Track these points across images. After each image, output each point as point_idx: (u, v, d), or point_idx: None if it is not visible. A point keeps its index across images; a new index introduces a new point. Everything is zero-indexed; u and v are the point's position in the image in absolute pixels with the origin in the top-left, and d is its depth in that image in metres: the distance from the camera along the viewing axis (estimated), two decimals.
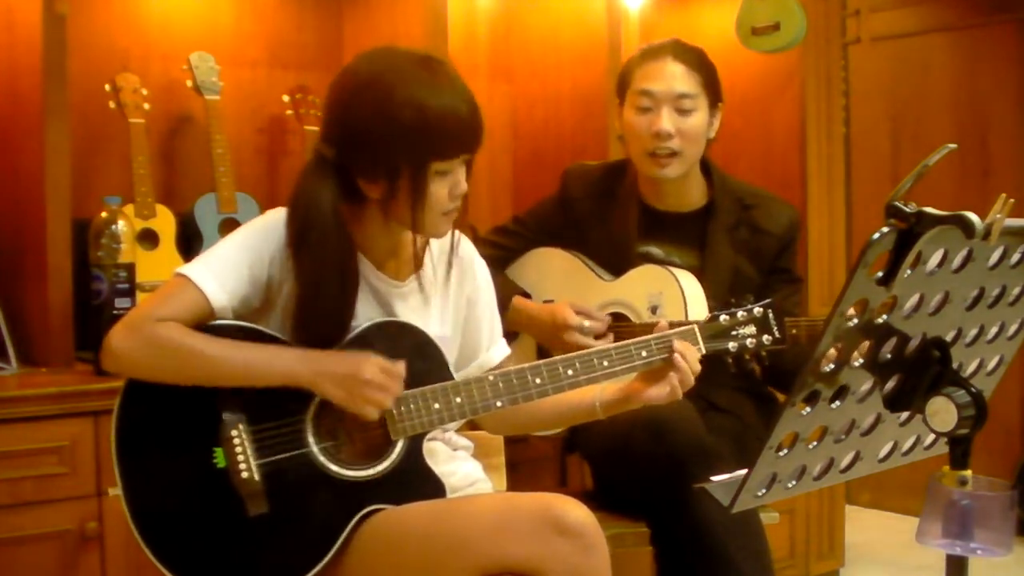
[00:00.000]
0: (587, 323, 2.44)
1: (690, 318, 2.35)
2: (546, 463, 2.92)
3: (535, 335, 2.54)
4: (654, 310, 2.44)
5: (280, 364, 1.79)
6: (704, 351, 1.97)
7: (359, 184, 1.83)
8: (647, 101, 2.50)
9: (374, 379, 1.79)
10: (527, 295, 2.60)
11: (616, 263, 2.55)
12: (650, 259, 2.54)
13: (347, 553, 1.81)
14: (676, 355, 1.91)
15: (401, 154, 1.77)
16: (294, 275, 1.82)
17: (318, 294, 1.81)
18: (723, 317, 2.00)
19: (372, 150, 1.79)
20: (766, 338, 2.00)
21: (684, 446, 2.24)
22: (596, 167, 2.70)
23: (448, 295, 2.01)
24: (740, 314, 2.00)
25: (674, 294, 2.41)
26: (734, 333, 2.00)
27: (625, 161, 2.64)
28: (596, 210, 2.62)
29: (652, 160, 2.50)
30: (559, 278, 2.62)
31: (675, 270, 2.46)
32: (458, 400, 1.85)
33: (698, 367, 1.94)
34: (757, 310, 2.00)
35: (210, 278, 1.81)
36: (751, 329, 2.00)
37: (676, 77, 2.50)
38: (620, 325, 2.49)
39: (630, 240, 2.56)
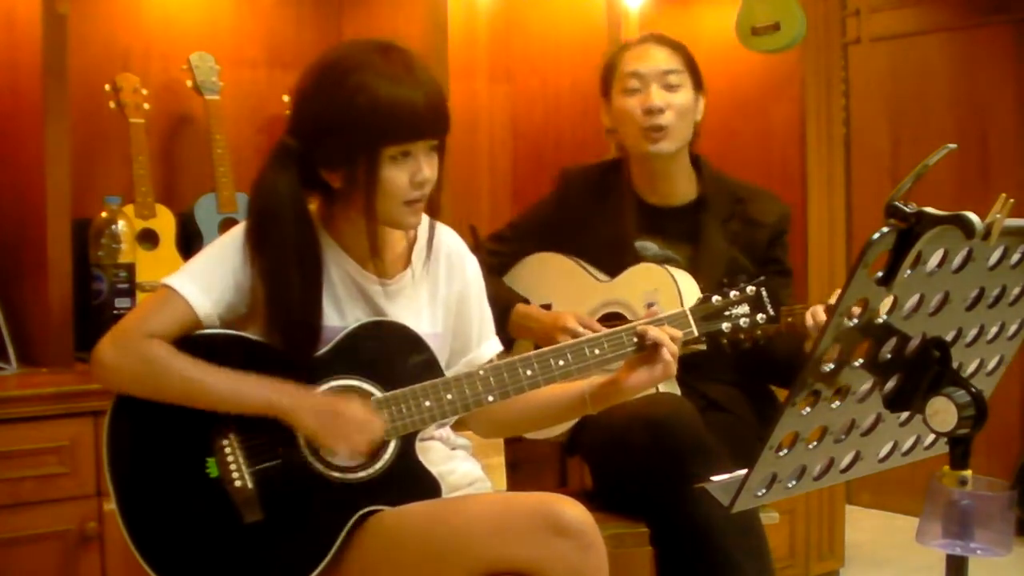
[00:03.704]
0: (582, 330, 2.45)
1: None
2: (546, 463, 2.92)
3: (536, 338, 2.54)
4: (650, 307, 2.45)
5: (261, 395, 1.78)
6: (697, 334, 1.97)
7: (322, 174, 1.83)
8: (635, 82, 2.58)
9: (355, 417, 1.79)
10: (527, 302, 2.61)
11: (614, 259, 2.57)
12: (648, 255, 2.56)
13: (345, 556, 1.81)
14: (660, 335, 1.90)
15: (354, 139, 1.77)
16: (256, 268, 1.82)
17: (280, 285, 1.80)
18: (715, 298, 2.00)
19: (328, 137, 1.79)
20: (760, 317, 2.00)
21: (683, 445, 2.24)
22: (593, 166, 2.74)
23: (437, 291, 1.99)
24: (733, 294, 2.00)
25: (670, 291, 2.42)
26: (727, 313, 1.99)
27: (620, 159, 2.68)
28: (594, 208, 2.65)
29: (645, 135, 2.55)
30: (556, 281, 2.63)
31: (671, 268, 2.47)
32: (449, 397, 1.85)
33: (674, 348, 1.91)
34: (750, 289, 2.00)
35: (194, 287, 1.81)
36: (744, 309, 2.00)
37: (660, 57, 2.60)
38: (617, 324, 2.49)
39: (628, 235, 2.59)
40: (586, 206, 2.65)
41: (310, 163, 1.83)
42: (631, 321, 2.47)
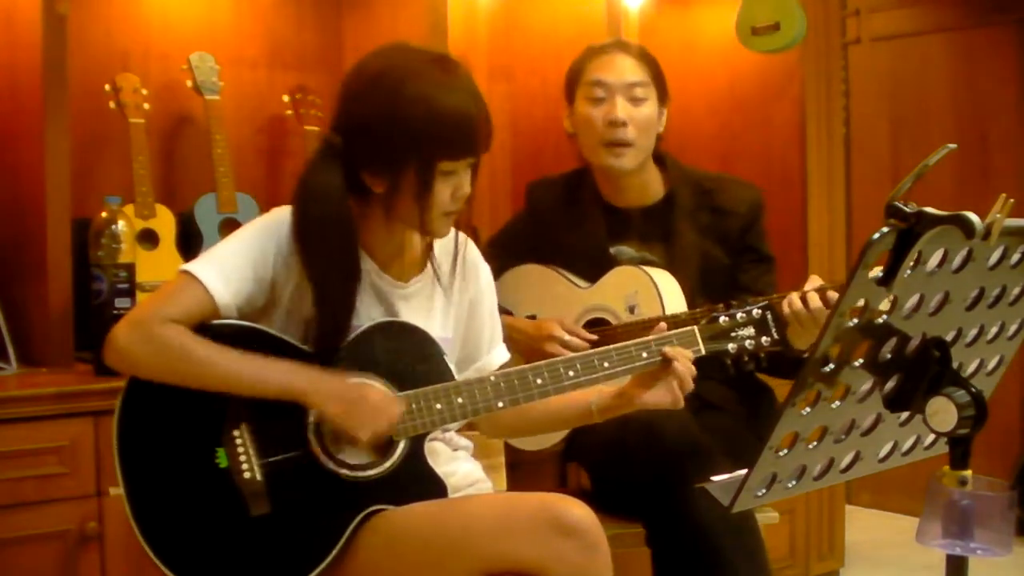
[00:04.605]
0: (569, 337, 2.45)
1: (667, 313, 2.37)
2: (546, 464, 2.92)
3: (520, 349, 2.54)
4: (632, 310, 2.46)
5: (281, 377, 1.78)
6: (704, 352, 1.97)
7: (363, 177, 1.83)
8: (600, 91, 2.55)
9: (376, 402, 1.79)
10: (509, 313, 2.62)
11: (591, 267, 2.57)
12: (624, 258, 2.56)
13: (349, 553, 1.81)
14: (674, 363, 1.90)
15: (408, 150, 1.78)
16: (300, 265, 1.82)
17: (323, 283, 1.81)
18: (722, 318, 2.00)
19: (378, 143, 1.79)
20: (765, 339, 2.00)
21: (677, 446, 2.24)
22: (557, 177, 2.74)
23: (451, 297, 2.01)
24: (739, 315, 2.00)
25: (649, 291, 2.43)
26: (733, 334, 1.99)
27: (584, 168, 2.67)
28: (564, 218, 2.65)
29: (607, 150, 2.53)
30: (538, 292, 2.64)
31: (648, 268, 2.48)
32: (460, 400, 1.85)
33: (692, 370, 1.93)
34: (756, 311, 2.00)
35: (215, 276, 1.81)
36: (750, 331, 2.00)
37: (627, 68, 2.56)
38: (601, 330, 2.50)
39: (601, 242, 2.59)
40: (557, 217, 2.65)
41: (353, 164, 1.83)
42: (615, 326, 2.49)
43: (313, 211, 1.82)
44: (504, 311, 2.60)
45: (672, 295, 2.42)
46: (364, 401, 1.79)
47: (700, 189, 2.60)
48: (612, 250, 2.58)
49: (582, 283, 2.58)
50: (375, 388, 1.81)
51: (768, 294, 2.43)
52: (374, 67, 1.84)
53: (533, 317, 2.61)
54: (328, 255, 1.81)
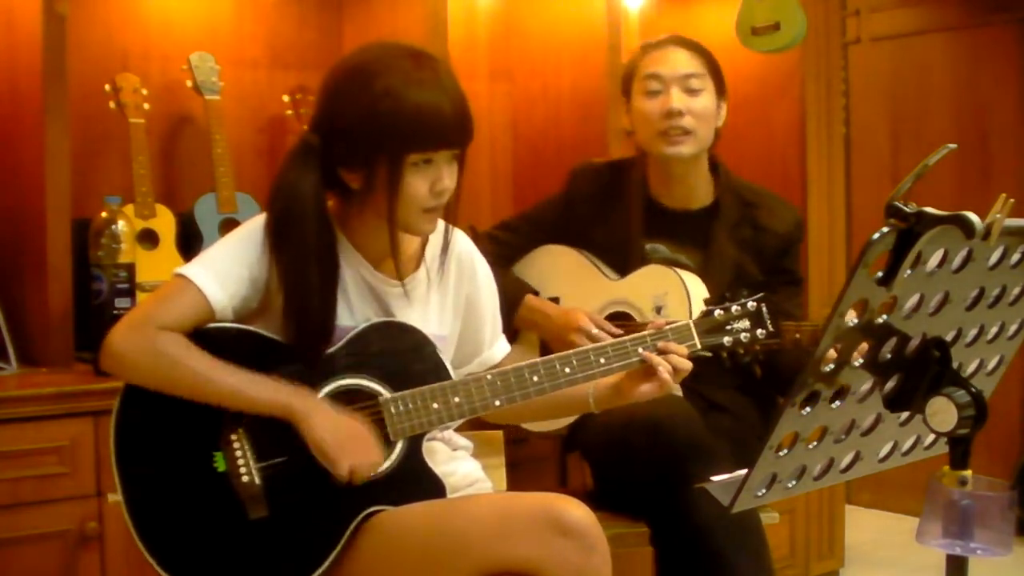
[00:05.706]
0: (595, 331, 2.44)
1: (694, 319, 2.35)
2: (546, 463, 2.92)
3: (544, 334, 2.53)
4: (659, 311, 2.45)
5: (276, 395, 1.78)
6: (700, 347, 1.97)
7: (341, 174, 1.83)
8: (656, 84, 2.53)
9: (366, 440, 1.78)
10: (536, 293, 2.60)
11: (622, 261, 2.56)
12: (657, 257, 2.55)
13: (348, 555, 1.81)
14: (658, 368, 1.91)
15: (378, 144, 1.77)
16: (274, 263, 1.82)
17: (298, 285, 1.80)
18: (717, 312, 2.00)
19: (351, 138, 1.79)
20: (760, 332, 2.00)
21: (683, 446, 2.24)
22: (603, 164, 2.71)
23: (447, 294, 2.00)
24: (734, 308, 2.00)
25: (679, 295, 2.41)
26: (728, 327, 1.99)
27: (632, 159, 2.65)
28: (601, 208, 2.62)
29: (664, 139, 2.51)
30: (565, 275, 2.62)
31: (681, 271, 2.46)
32: (456, 400, 1.85)
33: (687, 364, 1.93)
34: (751, 304, 2.00)
35: (210, 279, 1.81)
36: (745, 323, 2.00)
37: (681, 60, 2.55)
38: (624, 325, 2.49)
39: (635, 238, 2.57)
40: (595, 206, 2.63)
41: (330, 161, 1.83)
42: (637, 322, 2.48)
43: (283, 210, 1.82)
44: (531, 290, 2.59)
45: (700, 303, 2.40)
46: (355, 438, 1.78)
47: (743, 201, 2.58)
48: (647, 247, 2.57)
49: (612, 274, 2.57)
50: (367, 427, 1.80)
51: (796, 317, 2.44)
52: (350, 64, 1.85)
53: (556, 300, 2.60)
54: (302, 255, 1.81)
